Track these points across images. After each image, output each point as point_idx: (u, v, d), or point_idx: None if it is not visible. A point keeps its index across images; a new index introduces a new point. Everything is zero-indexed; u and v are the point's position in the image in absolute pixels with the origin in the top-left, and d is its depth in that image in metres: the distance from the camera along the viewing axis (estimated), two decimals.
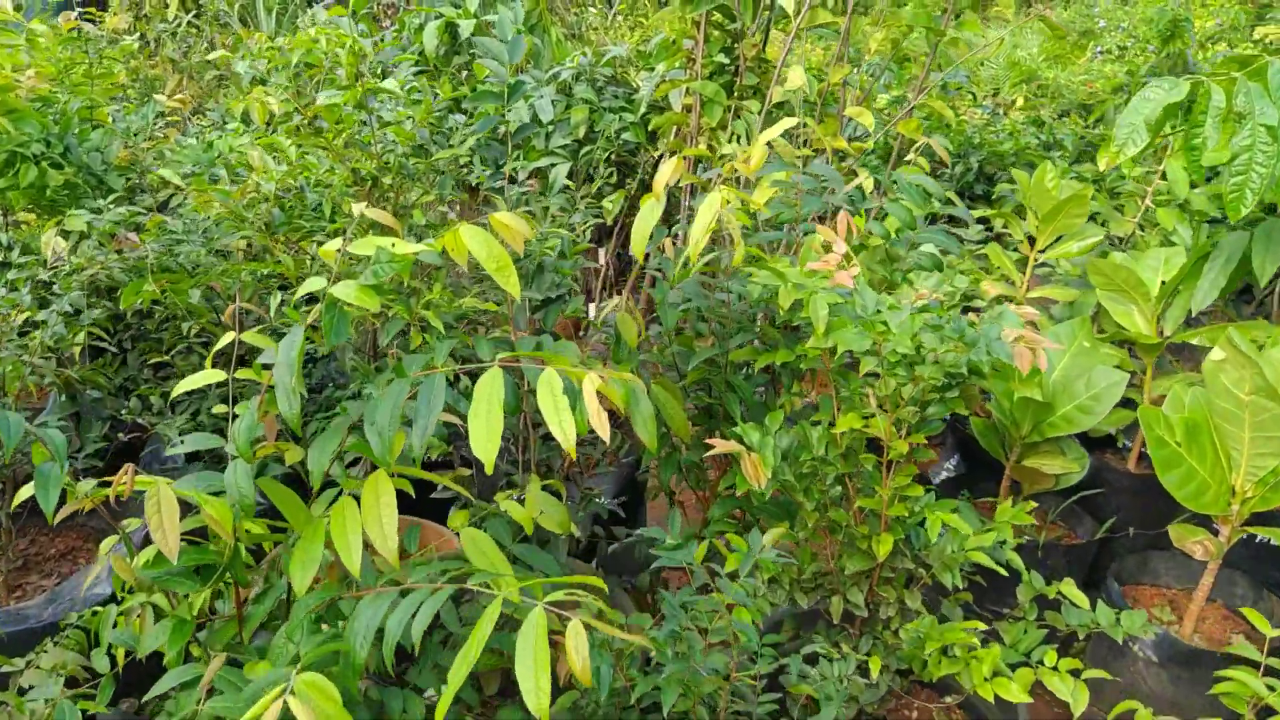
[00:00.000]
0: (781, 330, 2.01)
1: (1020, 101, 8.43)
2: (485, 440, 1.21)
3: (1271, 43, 9.74)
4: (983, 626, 1.69)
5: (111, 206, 2.28)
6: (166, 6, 8.88)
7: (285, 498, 1.37)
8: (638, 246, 1.88)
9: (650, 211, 1.90)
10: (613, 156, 4.58)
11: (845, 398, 1.81)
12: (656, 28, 6.27)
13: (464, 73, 5.59)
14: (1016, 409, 2.61)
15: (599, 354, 3.06)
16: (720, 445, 1.66)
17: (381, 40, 6.11)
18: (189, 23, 8.03)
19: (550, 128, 4.76)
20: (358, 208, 1.42)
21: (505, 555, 1.63)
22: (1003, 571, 1.77)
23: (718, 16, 3.92)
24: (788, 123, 2.03)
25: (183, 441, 1.51)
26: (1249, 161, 2.10)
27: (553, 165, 4.46)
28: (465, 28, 5.23)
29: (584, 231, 2.16)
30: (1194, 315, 2.79)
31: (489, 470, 1.23)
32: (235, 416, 1.45)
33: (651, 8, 6.91)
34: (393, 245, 1.39)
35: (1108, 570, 2.57)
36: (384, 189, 1.93)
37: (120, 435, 2.45)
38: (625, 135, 4.52)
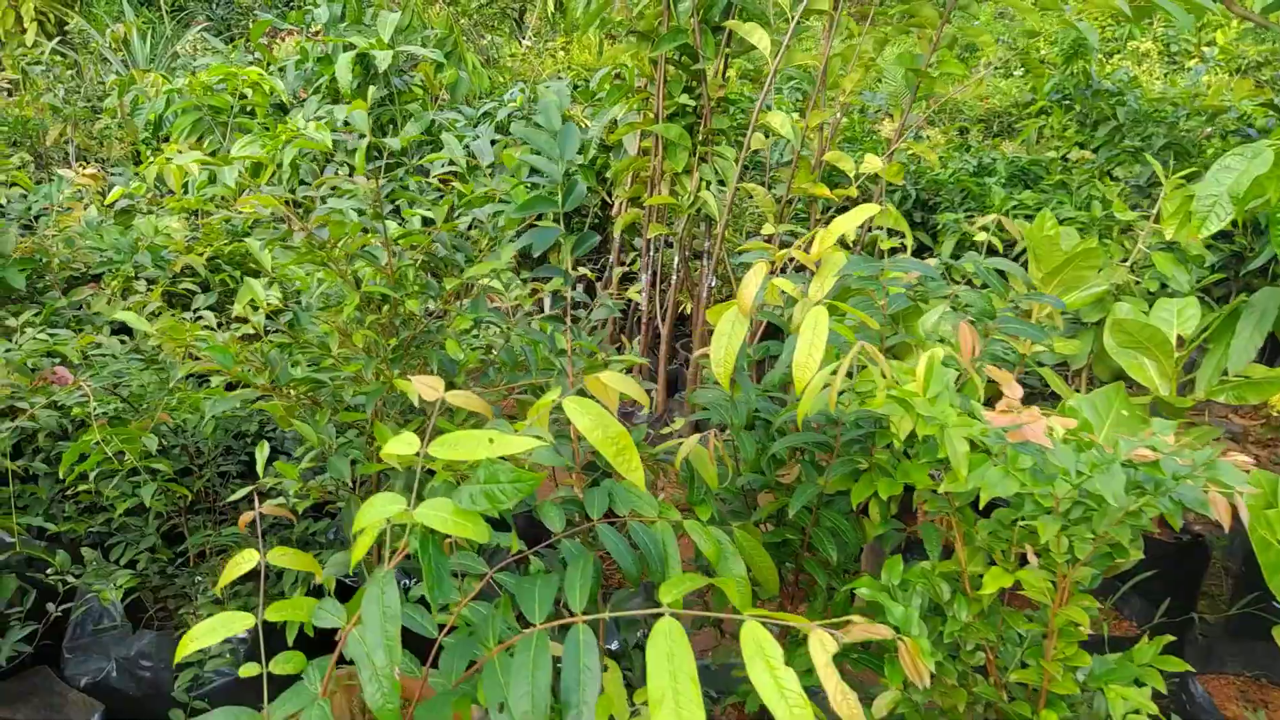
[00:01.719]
0: (879, 451, 1.71)
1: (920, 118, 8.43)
2: None
3: (1146, 53, 10.09)
4: None
5: (24, 326, 1.80)
6: (23, 30, 7.99)
7: None
8: (723, 371, 1.55)
9: (734, 329, 1.57)
10: None
11: (979, 547, 1.53)
12: (591, 62, 5.93)
13: (381, 108, 5.11)
14: None
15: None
16: (861, 629, 1.35)
17: (280, 70, 5.57)
18: (54, 50, 7.24)
19: (490, 170, 4.35)
20: (424, 388, 1.04)
21: None
22: None
23: (677, 54, 3.62)
24: (869, 210, 1.73)
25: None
26: None
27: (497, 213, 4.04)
28: (382, 60, 4.76)
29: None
30: (1229, 374, 2.65)
31: None
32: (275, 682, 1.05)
33: (577, 36, 6.56)
34: (491, 442, 1.02)
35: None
36: (403, 314, 1.53)
37: (51, 607, 1.95)
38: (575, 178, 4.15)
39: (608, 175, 4.37)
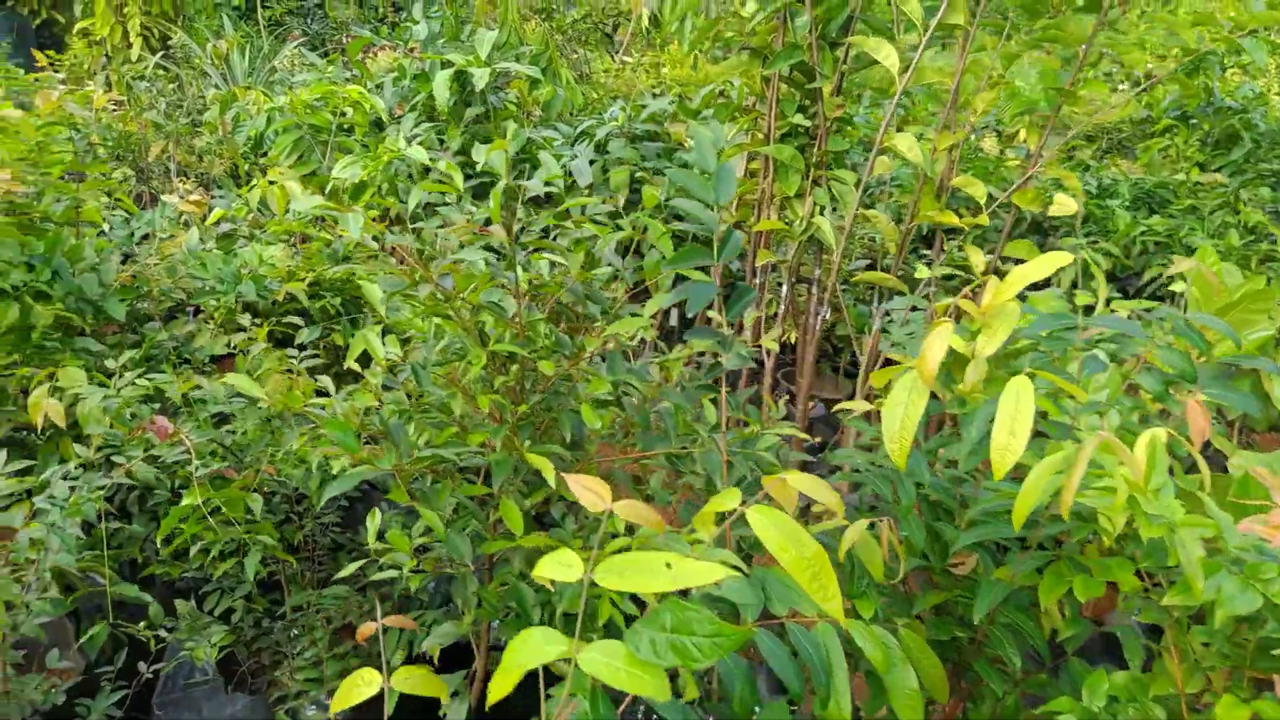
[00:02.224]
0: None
1: (1023, 134, 8.06)
2: None
3: (1265, 68, 9.50)
4: None
5: (123, 367, 1.68)
6: (129, 45, 8.17)
7: None
8: (898, 449, 1.34)
9: (913, 398, 1.36)
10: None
11: (1206, 667, 1.28)
12: (686, 77, 5.76)
13: (476, 125, 5.01)
14: None
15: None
16: None
17: (377, 87, 5.51)
18: (157, 64, 7.36)
19: (587, 191, 4.20)
20: (586, 494, 0.86)
21: None
22: None
23: (789, 71, 3.41)
24: (1058, 259, 1.50)
25: None
26: None
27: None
28: (480, 78, 4.65)
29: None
30: None
31: None
32: None
33: (669, 50, 6.39)
34: (669, 568, 0.83)
35: None
36: (533, 376, 1.35)
37: (142, 666, 1.82)
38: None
39: None
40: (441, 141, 4.93)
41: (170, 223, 2.24)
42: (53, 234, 2.02)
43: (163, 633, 1.84)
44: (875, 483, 1.57)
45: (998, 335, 1.58)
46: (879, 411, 1.92)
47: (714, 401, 1.66)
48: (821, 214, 3.37)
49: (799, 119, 3.38)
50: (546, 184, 4.28)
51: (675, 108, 4.34)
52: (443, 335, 1.41)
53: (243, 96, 4.17)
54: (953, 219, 3.04)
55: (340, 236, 3.03)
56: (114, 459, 1.57)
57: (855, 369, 4.09)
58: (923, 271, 1.82)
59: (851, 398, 4.07)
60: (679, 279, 1.69)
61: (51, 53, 7.55)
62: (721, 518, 1.07)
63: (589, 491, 0.88)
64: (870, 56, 3.43)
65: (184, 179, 4.45)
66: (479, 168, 4.72)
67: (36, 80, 7.64)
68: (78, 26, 8.04)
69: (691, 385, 1.43)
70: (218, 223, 2.81)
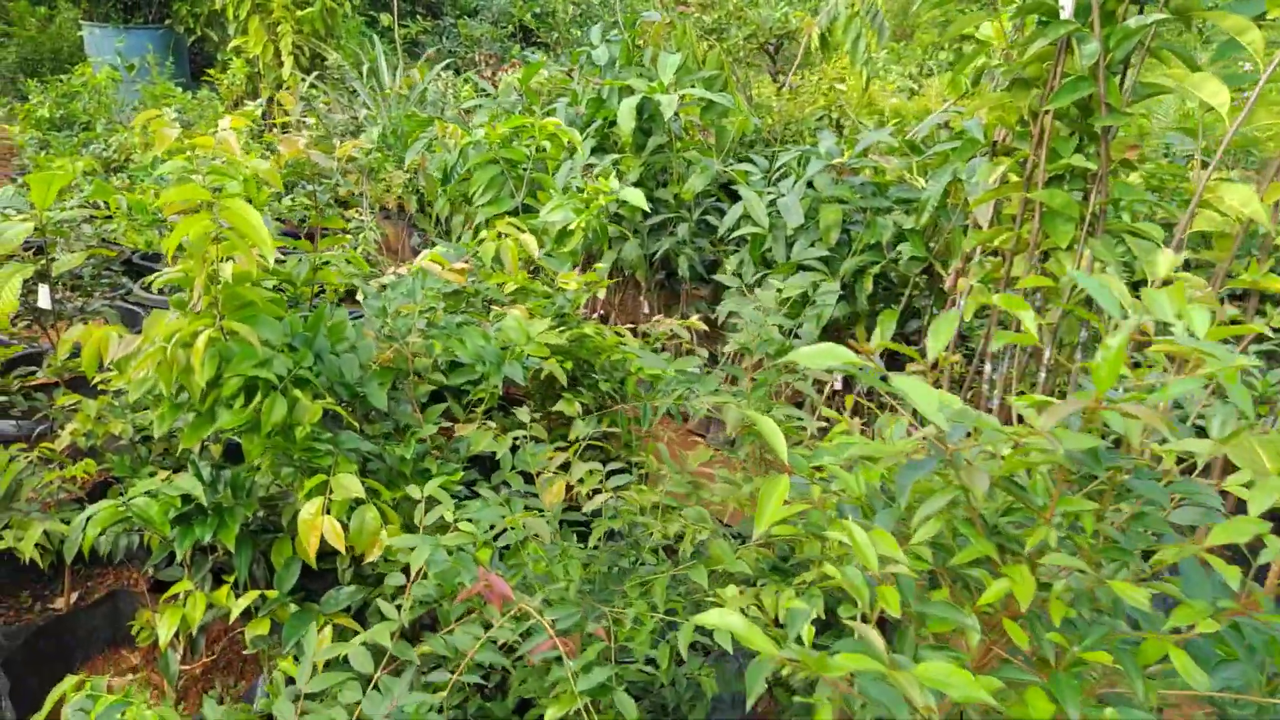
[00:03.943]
0: None
1: None
2: None
3: None
4: None
5: (428, 497, 1.33)
6: (280, 64, 8.11)
7: None
8: None
9: None
10: (881, 274, 3.61)
11: None
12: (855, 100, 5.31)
13: (655, 155, 4.64)
14: None
15: None
16: None
17: (549, 113, 5.21)
18: (311, 85, 7.26)
19: (792, 233, 3.79)
20: None
21: None
22: None
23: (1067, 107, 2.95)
24: None
25: None
26: None
27: (816, 285, 3.45)
28: (667, 106, 4.27)
29: None
30: None
31: None
32: None
33: (836, 68, 5.94)
34: None
35: None
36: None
37: None
38: (901, 246, 3.53)
39: (933, 244, 3.73)
40: (620, 173, 4.60)
41: (432, 294, 1.93)
42: (318, 313, 1.71)
43: None
44: None
45: None
46: None
47: None
48: (1103, 271, 2.89)
49: (1078, 160, 2.92)
50: (747, 221, 3.89)
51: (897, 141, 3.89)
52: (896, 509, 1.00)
53: (443, 132, 3.88)
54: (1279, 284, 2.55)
55: (562, 293, 2.69)
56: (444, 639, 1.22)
57: None
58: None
59: None
60: None
61: (215, 72, 7.52)
62: None
63: None
64: (1146, 90, 2.98)
65: (357, 210, 4.20)
66: (677, 194, 4.34)
67: (195, 99, 7.60)
68: (231, 44, 8.02)
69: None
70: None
